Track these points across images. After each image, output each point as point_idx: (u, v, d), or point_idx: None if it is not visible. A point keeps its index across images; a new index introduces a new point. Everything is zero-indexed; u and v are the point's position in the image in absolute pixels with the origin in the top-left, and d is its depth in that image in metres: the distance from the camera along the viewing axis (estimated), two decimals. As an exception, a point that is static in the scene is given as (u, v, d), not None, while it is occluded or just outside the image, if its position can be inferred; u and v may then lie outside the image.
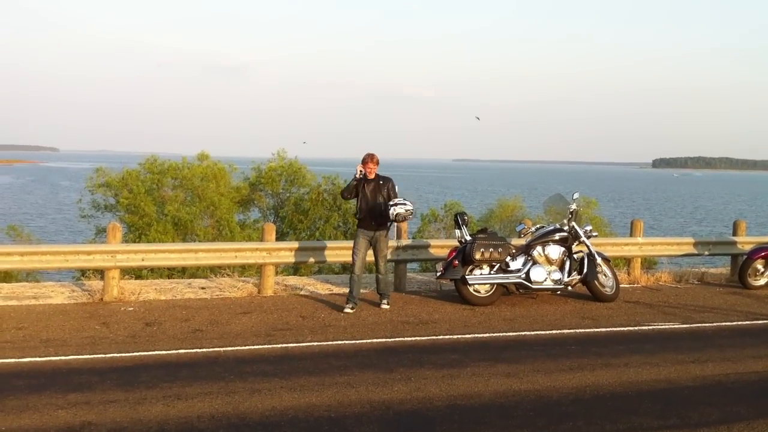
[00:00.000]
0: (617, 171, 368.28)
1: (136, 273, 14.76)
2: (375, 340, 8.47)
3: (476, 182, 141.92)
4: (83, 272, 14.04)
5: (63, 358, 7.42)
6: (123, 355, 7.60)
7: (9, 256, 9.97)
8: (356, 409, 6.12)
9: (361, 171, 10.10)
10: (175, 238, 20.22)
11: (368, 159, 10.17)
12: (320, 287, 11.75)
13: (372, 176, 10.21)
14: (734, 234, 13.99)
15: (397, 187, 10.35)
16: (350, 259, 10.27)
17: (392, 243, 11.64)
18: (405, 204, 10.13)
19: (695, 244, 13.61)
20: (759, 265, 12.53)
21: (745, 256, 12.87)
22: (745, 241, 13.67)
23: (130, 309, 9.75)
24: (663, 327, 9.62)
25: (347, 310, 9.86)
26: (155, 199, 21.96)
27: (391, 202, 10.14)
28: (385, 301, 10.25)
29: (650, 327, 9.59)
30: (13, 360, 7.31)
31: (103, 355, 7.55)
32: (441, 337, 8.74)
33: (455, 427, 5.77)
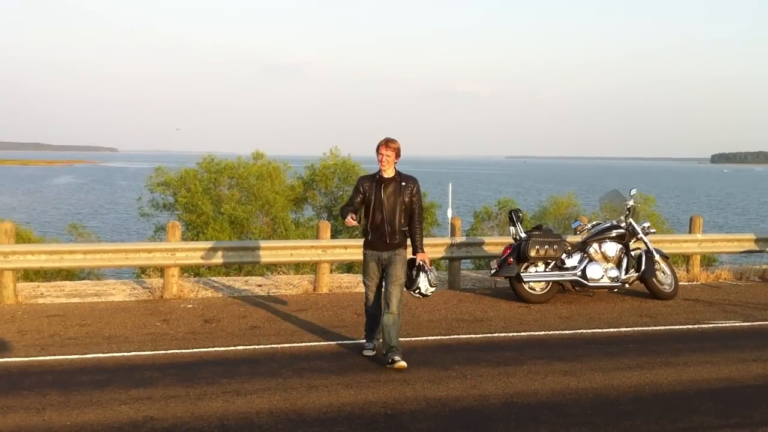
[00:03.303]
0: (672, 167, 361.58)
1: (194, 270, 15.04)
2: (430, 338, 8.49)
3: (529, 179, 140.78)
4: (143, 270, 14.35)
5: (125, 354, 7.60)
6: (183, 351, 7.75)
7: (73, 254, 10.24)
8: (412, 405, 6.14)
9: (353, 218, 7.24)
10: (231, 236, 20.51)
11: (383, 143, 7.27)
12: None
13: (389, 173, 7.38)
14: (797, 230, 13.64)
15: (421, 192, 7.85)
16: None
17: (446, 240, 11.63)
18: (431, 279, 7.46)
19: (756, 241, 13.31)
20: (824, 262, 12.20)
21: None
22: (809, 238, 13.31)
23: (189, 306, 9.94)
24: (723, 325, 9.44)
25: (367, 352, 7.63)
26: (212, 198, 22.29)
27: (420, 265, 7.41)
28: (397, 357, 7.15)
29: (710, 325, 9.42)
30: (77, 356, 7.51)
31: (164, 352, 7.71)
32: (496, 334, 8.71)
33: (512, 425, 5.75)
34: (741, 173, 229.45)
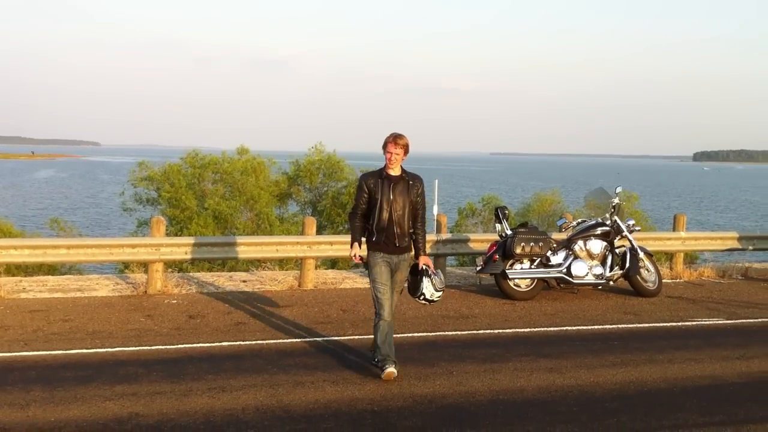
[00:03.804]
0: (655, 164, 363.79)
1: (178, 266, 14.97)
2: (416, 334, 8.48)
3: (513, 176, 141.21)
4: (126, 265, 14.26)
5: (110, 350, 7.54)
6: (168, 347, 7.70)
7: (56, 249, 10.15)
8: (399, 402, 6.14)
9: (357, 255, 6.78)
10: (215, 231, 20.45)
11: (391, 139, 6.71)
12: (359, 281, 11.78)
13: (396, 170, 6.86)
14: (779, 229, 13.74)
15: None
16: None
17: (432, 237, 11.62)
18: (436, 283, 7.03)
19: (739, 239, 13.40)
20: (805, 261, 12.30)
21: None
22: (791, 236, 13.43)
23: (173, 302, 9.89)
24: (707, 323, 9.50)
25: (389, 369, 6.62)
26: (196, 193, 22.22)
27: (426, 269, 6.99)
28: (391, 364, 6.67)
29: (694, 323, 9.48)
30: (61, 351, 7.44)
31: (149, 347, 7.66)
32: (481, 331, 8.72)
33: (498, 422, 5.76)
34: (722, 171, 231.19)
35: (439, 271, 7.36)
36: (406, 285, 7.09)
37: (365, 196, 6.79)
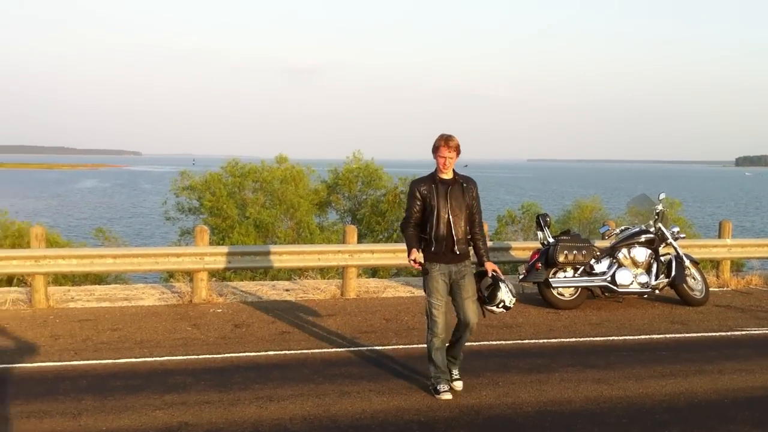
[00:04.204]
0: (696, 170, 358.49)
1: (221, 275, 15.10)
2: (460, 344, 8.44)
3: (551, 182, 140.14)
4: (171, 274, 14.42)
5: (158, 359, 7.64)
6: (215, 356, 7.78)
7: (103, 258, 10.31)
8: (446, 413, 6.12)
9: (417, 261, 6.40)
10: (256, 240, 20.59)
11: (443, 142, 6.37)
12: (401, 290, 11.79)
13: (449, 174, 6.52)
14: (829, 235, 13.45)
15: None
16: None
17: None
18: (511, 288, 6.70)
19: (787, 246, 13.13)
20: None
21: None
22: (842, 243, 13.13)
23: (218, 311, 9.98)
24: (757, 332, 9.33)
25: (444, 395, 6.46)
26: (237, 202, 22.40)
27: (496, 276, 6.63)
28: (456, 371, 6.74)
29: (743, 332, 9.31)
30: (110, 361, 7.56)
31: (196, 357, 7.74)
32: (526, 341, 8.66)
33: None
34: (766, 176, 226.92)
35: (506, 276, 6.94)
36: (478, 295, 6.66)
37: (418, 203, 6.47)
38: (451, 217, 6.37)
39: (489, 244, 11.71)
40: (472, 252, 6.63)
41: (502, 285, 6.59)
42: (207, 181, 22.81)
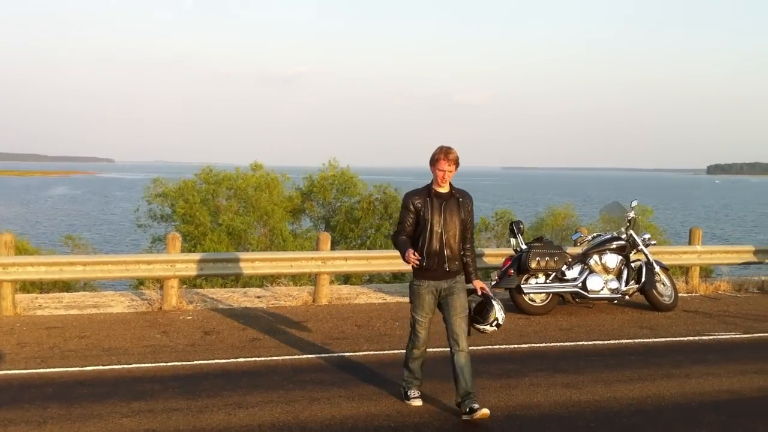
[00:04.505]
0: (668, 178, 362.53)
1: (192, 282, 15.02)
2: (431, 350, 8.38)
3: (525, 190, 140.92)
4: (140, 281, 14.31)
5: (126, 366, 7.57)
6: (184, 363, 7.72)
7: (72, 266, 10.21)
8: (416, 418, 6.12)
9: (415, 257, 6.09)
10: (229, 247, 20.50)
11: (442, 155, 6.15)
12: (374, 296, 11.78)
13: (446, 187, 6.30)
14: (796, 242, 13.65)
15: None
16: (403, 268, 9.95)
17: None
18: (502, 306, 6.51)
19: (755, 252, 13.31)
20: (823, 274, 12.20)
21: (808, 265, 12.55)
22: (808, 249, 13.32)
23: (188, 318, 9.91)
24: (724, 337, 9.43)
25: (415, 401, 6.46)
26: (210, 209, 22.30)
27: (487, 294, 6.46)
28: (476, 404, 6.06)
29: (711, 337, 9.42)
30: (77, 368, 7.47)
31: (165, 364, 7.68)
32: (497, 346, 8.69)
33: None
34: (736, 184, 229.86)
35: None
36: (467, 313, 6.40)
37: (412, 216, 6.23)
38: (444, 232, 6.16)
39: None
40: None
41: (495, 303, 6.40)
42: (180, 188, 22.69)
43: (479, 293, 6.43)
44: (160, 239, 21.91)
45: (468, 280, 6.43)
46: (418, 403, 6.43)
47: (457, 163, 6.18)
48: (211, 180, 23.11)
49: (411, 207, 6.24)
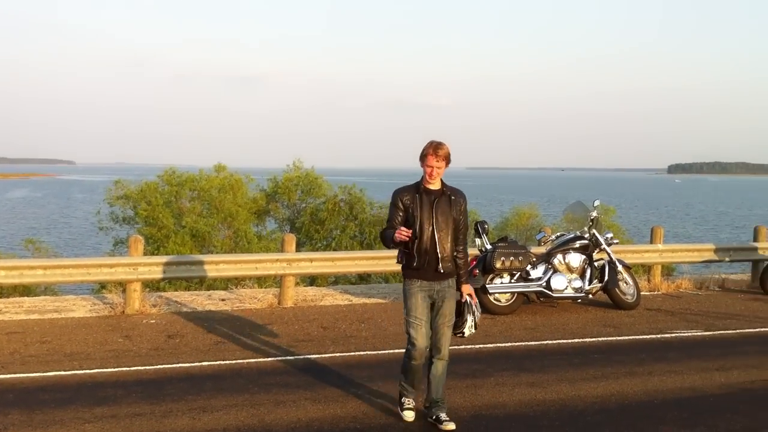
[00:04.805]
0: (631, 177, 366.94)
1: (156, 285, 14.86)
2: (397, 351, 8.43)
3: (490, 190, 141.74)
4: (103, 285, 14.12)
5: (88, 371, 7.45)
6: (147, 368, 7.62)
7: (33, 270, 10.03)
8: (381, 420, 6.11)
9: (405, 235, 5.75)
10: (193, 249, 20.33)
11: (431, 150, 5.85)
12: (339, 298, 11.75)
13: (436, 184, 6.00)
14: (755, 240, 13.89)
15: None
16: (369, 269, 9.96)
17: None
18: (477, 318, 6.22)
19: (716, 251, 13.52)
20: (781, 271, 12.43)
21: (766, 262, 12.77)
22: (766, 247, 13.56)
23: (151, 321, 9.80)
24: (686, 334, 9.56)
25: (407, 413, 6.11)
26: (173, 211, 22.11)
27: (468, 303, 6.14)
28: (444, 414, 5.99)
29: (673, 334, 9.54)
30: (38, 374, 7.35)
31: (128, 368, 7.57)
32: (462, 346, 8.69)
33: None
34: (696, 183, 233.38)
35: (477, 303, 6.29)
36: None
37: (401, 214, 5.93)
38: (436, 232, 5.85)
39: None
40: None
41: (469, 317, 6.11)
42: (142, 190, 22.47)
43: (464, 299, 6.13)
44: (122, 242, 21.68)
45: (457, 285, 6.13)
46: (409, 416, 6.08)
47: (448, 159, 5.88)
48: (174, 182, 22.93)
49: (399, 204, 5.96)
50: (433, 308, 5.98)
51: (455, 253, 6.01)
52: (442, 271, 5.88)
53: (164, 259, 10.74)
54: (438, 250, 5.85)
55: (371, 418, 6.13)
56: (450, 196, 5.97)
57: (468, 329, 6.12)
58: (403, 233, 5.72)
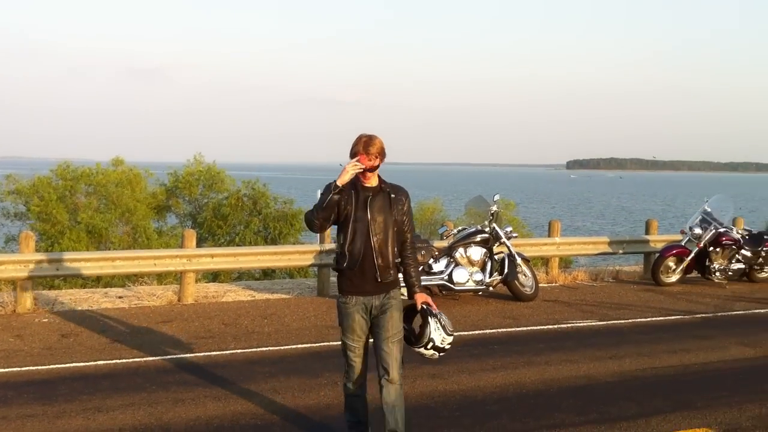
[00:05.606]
0: (531, 173, 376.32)
1: (50, 283, 14.33)
2: (300, 346, 8.42)
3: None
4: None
5: (-26, 373, 7.14)
6: (39, 368, 7.36)
7: None
8: (283, 415, 6.07)
9: (357, 163, 4.91)
10: (89, 246, 19.73)
11: (361, 148, 4.98)
12: (242, 294, 11.60)
13: (372, 181, 5.12)
14: (647, 233, 14.45)
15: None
16: (272, 264, 9.84)
17: (315, 247, 11.54)
18: (446, 325, 5.30)
19: (610, 243, 14.00)
20: (671, 263, 12.95)
21: (657, 254, 13.30)
22: (657, 240, 14.14)
23: (44, 320, 9.44)
24: (581, 324, 9.86)
25: None
26: (68, 207, 21.38)
27: (426, 310, 5.27)
28: None
29: (569, 325, 9.82)
30: None
31: (19, 369, 7.29)
32: (366, 340, 8.73)
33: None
34: (593, 178, 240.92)
35: (440, 311, 5.40)
36: (404, 334, 5.26)
37: (335, 207, 5.01)
38: (372, 235, 4.99)
39: (332, 246, 11.70)
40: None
41: (431, 320, 5.22)
42: (35, 185, 21.64)
43: (419, 308, 5.29)
44: (14, 239, 20.81)
45: (410, 294, 5.35)
46: None
47: (382, 155, 5.04)
48: (69, 176, 22.16)
49: (338, 195, 5.04)
50: (373, 327, 5.13)
51: (401, 259, 5.23)
52: (380, 280, 5.04)
53: (57, 255, 10.37)
54: (377, 259, 5.02)
55: (273, 414, 6.08)
56: (390, 194, 5.13)
57: (437, 336, 5.21)
58: (349, 167, 4.90)
